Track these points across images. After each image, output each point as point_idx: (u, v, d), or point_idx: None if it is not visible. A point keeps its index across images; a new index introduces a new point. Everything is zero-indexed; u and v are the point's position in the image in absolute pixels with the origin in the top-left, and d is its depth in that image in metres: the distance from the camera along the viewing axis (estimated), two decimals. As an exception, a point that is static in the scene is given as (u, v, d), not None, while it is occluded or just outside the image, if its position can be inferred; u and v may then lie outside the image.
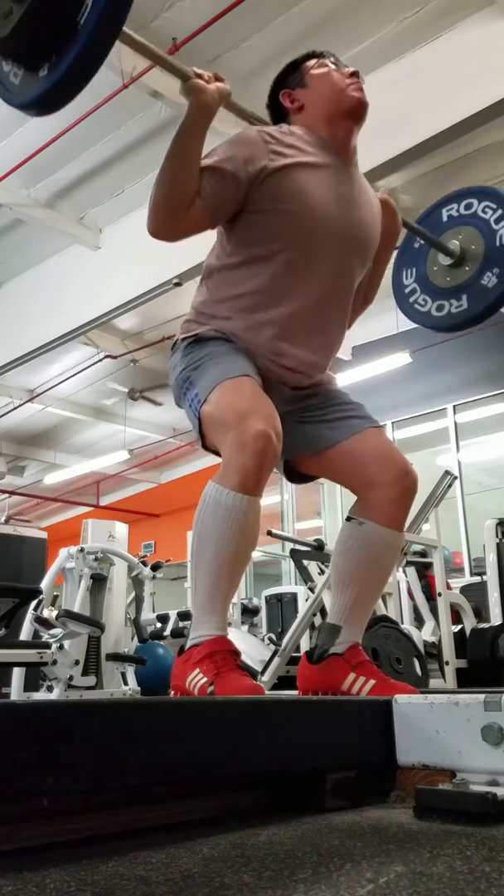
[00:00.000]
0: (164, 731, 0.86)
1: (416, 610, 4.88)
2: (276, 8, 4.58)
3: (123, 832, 0.86)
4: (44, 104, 1.36)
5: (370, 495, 1.67)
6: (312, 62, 1.79)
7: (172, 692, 1.57)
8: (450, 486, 4.55)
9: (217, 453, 1.59)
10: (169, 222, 1.62)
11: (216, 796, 0.98)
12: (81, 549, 4.80)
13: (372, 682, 1.61)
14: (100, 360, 8.53)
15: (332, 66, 1.77)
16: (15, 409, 9.61)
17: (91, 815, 0.85)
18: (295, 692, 1.86)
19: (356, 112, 1.73)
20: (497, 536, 4.72)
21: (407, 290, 2.21)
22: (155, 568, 5.14)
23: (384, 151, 4.80)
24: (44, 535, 7.23)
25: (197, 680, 1.47)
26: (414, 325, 2.28)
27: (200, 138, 1.61)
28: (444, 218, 2.17)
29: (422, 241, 2.17)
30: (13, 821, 0.77)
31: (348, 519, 1.71)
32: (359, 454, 1.69)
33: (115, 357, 8.52)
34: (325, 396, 1.77)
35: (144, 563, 5.16)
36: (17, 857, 0.75)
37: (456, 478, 5.21)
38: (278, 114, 1.83)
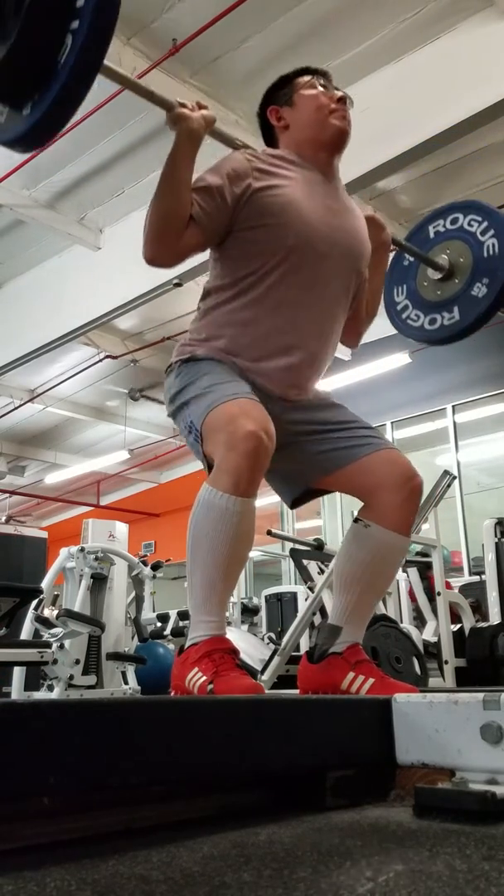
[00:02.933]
0: (164, 730, 0.87)
1: (417, 610, 4.88)
2: (277, 9, 4.57)
3: (124, 831, 0.86)
4: (29, 141, 1.42)
5: (376, 499, 1.68)
6: (303, 80, 1.80)
7: (172, 692, 1.58)
8: (449, 485, 4.54)
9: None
10: (165, 247, 1.64)
11: (216, 795, 0.99)
12: (82, 549, 4.81)
13: (371, 680, 1.61)
14: (100, 361, 8.54)
15: (322, 89, 1.78)
16: (15, 409, 9.62)
17: (91, 814, 0.85)
18: (295, 691, 1.86)
19: (336, 140, 1.77)
20: (496, 536, 4.72)
21: (399, 307, 2.23)
22: (155, 567, 5.15)
23: (384, 152, 4.79)
24: (44, 534, 7.23)
25: (196, 679, 1.47)
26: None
27: (190, 165, 1.63)
28: (431, 234, 2.19)
29: (411, 259, 2.18)
30: (13, 820, 0.77)
31: (355, 520, 1.71)
32: (365, 465, 1.69)
33: (115, 357, 8.53)
34: (342, 417, 1.76)
35: (145, 563, 5.16)
36: (17, 856, 0.75)
37: (455, 477, 5.20)
38: (266, 125, 1.85)
